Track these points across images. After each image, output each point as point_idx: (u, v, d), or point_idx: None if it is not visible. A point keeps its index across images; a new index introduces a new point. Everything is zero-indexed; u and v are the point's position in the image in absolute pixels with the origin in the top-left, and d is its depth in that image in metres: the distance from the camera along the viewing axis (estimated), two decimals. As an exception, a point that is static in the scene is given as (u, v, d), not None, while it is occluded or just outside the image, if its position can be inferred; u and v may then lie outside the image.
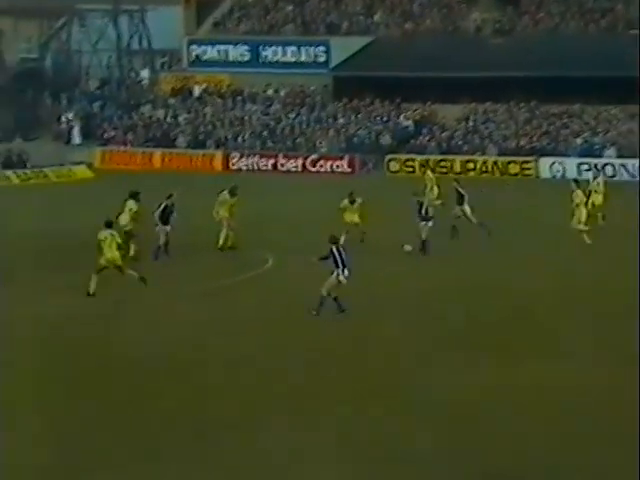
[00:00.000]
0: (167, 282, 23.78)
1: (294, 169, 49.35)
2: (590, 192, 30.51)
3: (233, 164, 50.32)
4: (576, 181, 29.67)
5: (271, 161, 49.93)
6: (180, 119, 54.22)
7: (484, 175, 46.62)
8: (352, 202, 27.35)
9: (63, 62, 61.36)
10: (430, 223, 26.63)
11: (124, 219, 25.48)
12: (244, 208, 28.16)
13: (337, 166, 49.09)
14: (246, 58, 56.88)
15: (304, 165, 49.43)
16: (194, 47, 57.83)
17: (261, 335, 19.29)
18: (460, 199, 29.09)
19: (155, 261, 25.85)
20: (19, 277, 24.09)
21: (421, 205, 26.92)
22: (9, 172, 46.32)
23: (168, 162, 51.01)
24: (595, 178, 32.21)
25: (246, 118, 53.38)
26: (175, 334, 19.41)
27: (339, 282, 19.99)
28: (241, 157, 50.42)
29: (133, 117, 54.98)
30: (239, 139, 51.89)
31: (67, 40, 61.19)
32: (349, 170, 48.43)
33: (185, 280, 24.04)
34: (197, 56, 57.69)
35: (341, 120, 52.17)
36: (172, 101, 56.02)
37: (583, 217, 28.06)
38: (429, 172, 34.58)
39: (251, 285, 23.92)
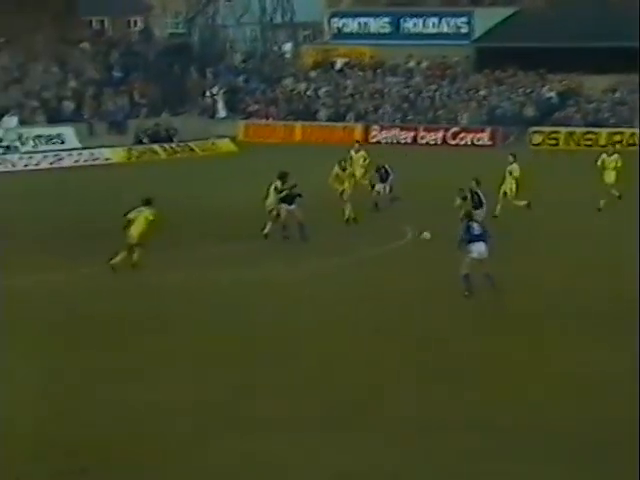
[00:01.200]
0: (305, 257, 24.04)
1: (434, 142, 49.11)
2: (605, 169, 29.89)
3: (373, 137, 50.38)
4: (513, 155, 29.44)
5: (411, 134, 49.80)
6: (321, 92, 54.58)
7: (631, 148, 45.41)
8: (477, 183, 26.58)
9: (209, 37, 62.55)
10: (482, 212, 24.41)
11: (270, 200, 25.56)
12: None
13: (478, 139, 48.60)
14: (387, 30, 56.81)
15: (444, 138, 49.11)
16: (336, 20, 58.06)
17: (399, 307, 19.40)
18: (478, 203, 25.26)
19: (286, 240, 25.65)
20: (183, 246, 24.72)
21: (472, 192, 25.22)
22: (156, 146, 47.50)
23: (309, 135, 51.43)
24: (611, 155, 30.76)
25: (386, 90, 53.35)
26: (317, 309, 19.65)
27: (473, 259, 19.74)
28: (381, 130, 50.46)
29: (275, 90, 55.63)
30: (379, 112, 51.93)
31: (213, 15, 62.33)
32: (490, 143, 47.88)
33: (322, 254, 24.25)
34: (339, 29, 57.90)
35: (483, 92, 51.59)
36: (313, 74, 56.43)
37: (513, 190, 28.14)
38: (360, 152, 31.20)
39: (389, 258, 24.03)
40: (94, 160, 44.45)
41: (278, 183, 25.68)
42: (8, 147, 44.38)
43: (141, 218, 22.05)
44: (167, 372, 15.94)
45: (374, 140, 50.01)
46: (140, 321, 18.74)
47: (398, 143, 49.33)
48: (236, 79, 57.70)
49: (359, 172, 30.26)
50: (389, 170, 30.05)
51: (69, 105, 49.48)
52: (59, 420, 14.01)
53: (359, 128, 50.93)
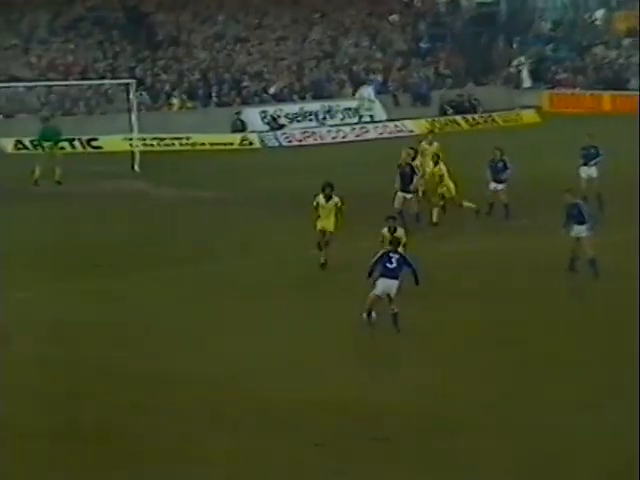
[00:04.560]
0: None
1: None
2: None
3: (687, 107, 47.95)
4: None
5: None
6: (634, 60, 52.56)
7: None
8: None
9: (517, 5, 61.70)
10: None
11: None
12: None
13: None
14: None
15: None
16: (654, -17, 55.53)
17: None
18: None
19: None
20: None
21: None
22: (458, 117, 47.71)
23: (618, 105, 49.72)
24: None
25: None
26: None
27: None
28: (696, 100, 47.93)
29: (584, 59, 54.21)
30: (699, 80, 49.38)
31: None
32: None
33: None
34: (658, -7, 55.32)
35: None
36: (626, 42, 54.41)
37: None
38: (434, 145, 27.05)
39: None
40: (398, 132, 45.29)
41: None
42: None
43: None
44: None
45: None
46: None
47: None
48: (544, 48, 56.71)
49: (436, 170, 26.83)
50: (599, 150, 25.88)
51: (376, 77, 50.60)
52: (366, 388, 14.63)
53: (673, 98, 48.67)
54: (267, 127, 44.77)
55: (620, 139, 32.31)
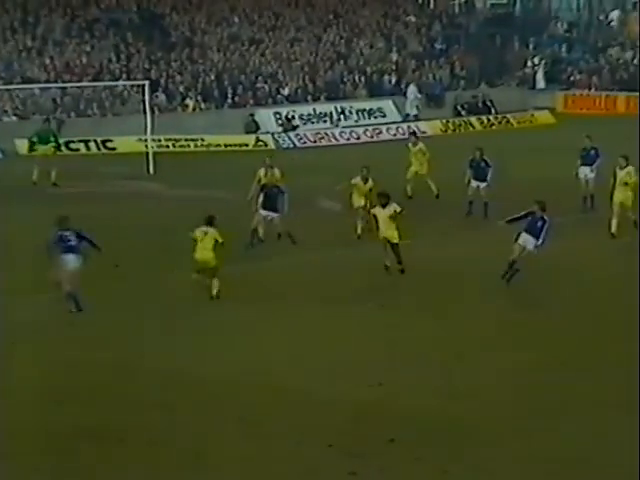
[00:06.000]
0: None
1: None
2: None
3: (703, 108, 47.83)
4: (625, 157, 23.61)
5: None
6: (649, 61, 52.46)
7: None
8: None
9: (532, 7, 61.63)
10: None
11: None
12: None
13: None
14: None
15: None
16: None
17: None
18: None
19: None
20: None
21: None
22: (473, 118, 47.69)
23: (633, 107, 49.56)
24: None
25: None
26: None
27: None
28: None
29: (599, 60, 54.08)
30: None
31: (537, -17, 61.29)
32: None
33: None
34: (674, -6, 55.21)
35: None
36: (642, 42, 54.23)
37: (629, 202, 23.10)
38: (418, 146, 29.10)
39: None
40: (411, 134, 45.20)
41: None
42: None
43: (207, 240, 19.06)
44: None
45: (703, 111, 47.53)
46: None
47: None
48: (558, 49, 56.61)
49: (421, 169, 28.40)
50: (598, 152, 26.04)
51: (390, 79, 50.61)
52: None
53: (687, 99, 48.55)
54: (281, 128, 44.86)
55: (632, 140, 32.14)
